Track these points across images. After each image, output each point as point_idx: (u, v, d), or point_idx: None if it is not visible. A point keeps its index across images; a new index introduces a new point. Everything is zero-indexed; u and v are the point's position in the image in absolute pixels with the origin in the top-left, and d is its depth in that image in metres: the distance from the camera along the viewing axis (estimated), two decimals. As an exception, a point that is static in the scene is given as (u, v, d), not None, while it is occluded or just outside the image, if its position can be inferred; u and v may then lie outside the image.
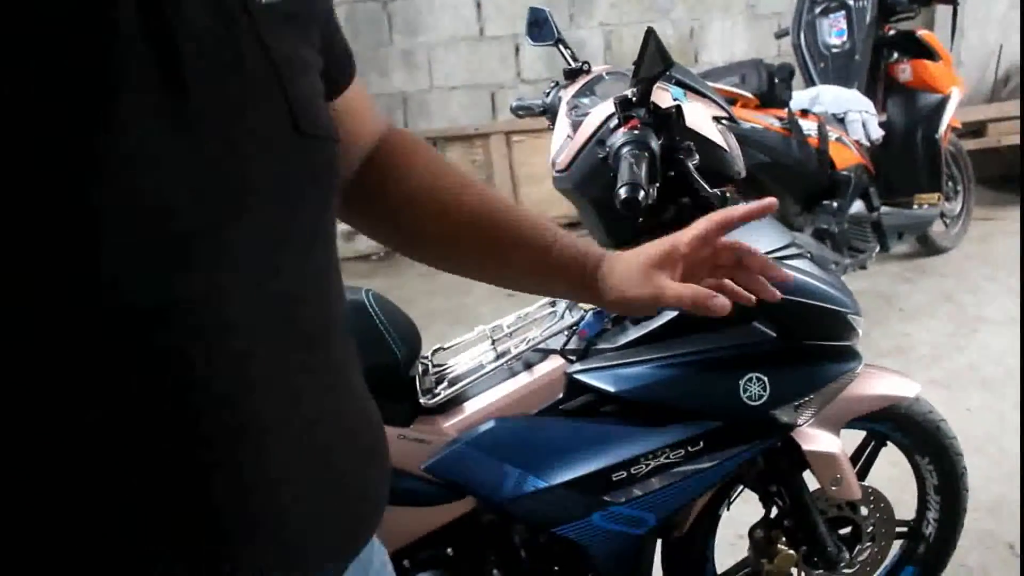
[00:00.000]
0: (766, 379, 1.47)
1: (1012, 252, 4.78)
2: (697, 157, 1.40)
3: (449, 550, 1.59)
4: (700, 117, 1.51)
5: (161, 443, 0.60)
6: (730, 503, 1.78)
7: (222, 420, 0.62)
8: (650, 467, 1.47)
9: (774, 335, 1.48)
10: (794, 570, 1.86)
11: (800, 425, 1.57)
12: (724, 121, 1.58)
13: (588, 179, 1.52)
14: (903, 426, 1.83)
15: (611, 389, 1.49)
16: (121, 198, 0.54)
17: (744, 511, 1.88)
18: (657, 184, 1.34)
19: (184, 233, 0.57)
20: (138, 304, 0.57)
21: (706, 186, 1.37)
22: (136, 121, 0.54)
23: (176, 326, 0.58)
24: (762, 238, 1.53)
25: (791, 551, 1.79)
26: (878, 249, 4.23)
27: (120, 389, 0.58)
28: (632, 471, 1.47)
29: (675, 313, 1.49)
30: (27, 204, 0.51)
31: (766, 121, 3.77)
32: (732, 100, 3.82)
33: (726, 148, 1.52)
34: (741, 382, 1.46)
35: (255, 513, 0.64)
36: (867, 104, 4.32)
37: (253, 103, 0.62)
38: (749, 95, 3.86)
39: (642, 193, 1.25)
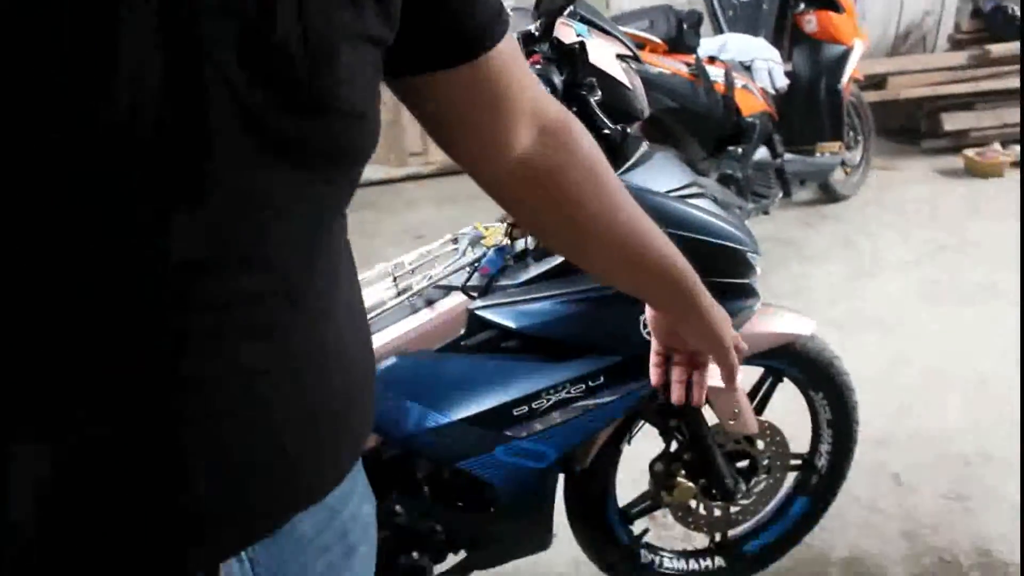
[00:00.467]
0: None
1: (909, 200, 4.96)
2: (599, 93, 1.40)
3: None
4: (604, 54, 1.50)
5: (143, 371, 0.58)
6: (631, 438, 1.82)
7: (204, 353, 0.59)
8: (551, 402, 1.49)
9: (674, 271, 1.50)
10: (693, 501, 1.92)
11: (699, 360, 1.60)
12: (628, 60, 1.58)
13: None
14: (799, 362, 1.89)
15: (512, 325, 1.49)
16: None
17: (646, 448, 1.92)
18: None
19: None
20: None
21: (608, 122, 1.37)
22: None
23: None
24: (666, 177, 1.55)
25: (690, 483, 1.85)
26: (781, 195, 4.33)
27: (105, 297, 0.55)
28: (533, 406, 1.48)
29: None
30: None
31: (674, 66, 3.79)
32: (640, 45, 3.83)
33: (629, 86, 1.52)
34: (641, 318, 1.47)
35: (228, 449, 0.63)
36: (773, 53, 4.39)
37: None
38: (658, 40, 3.87)
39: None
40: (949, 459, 2.65)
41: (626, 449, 1.86)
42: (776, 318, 1.82)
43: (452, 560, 1.77)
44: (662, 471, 1.86)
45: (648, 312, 1.08)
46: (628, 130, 1.47)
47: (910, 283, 3.92)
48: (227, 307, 0.60)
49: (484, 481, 1.55)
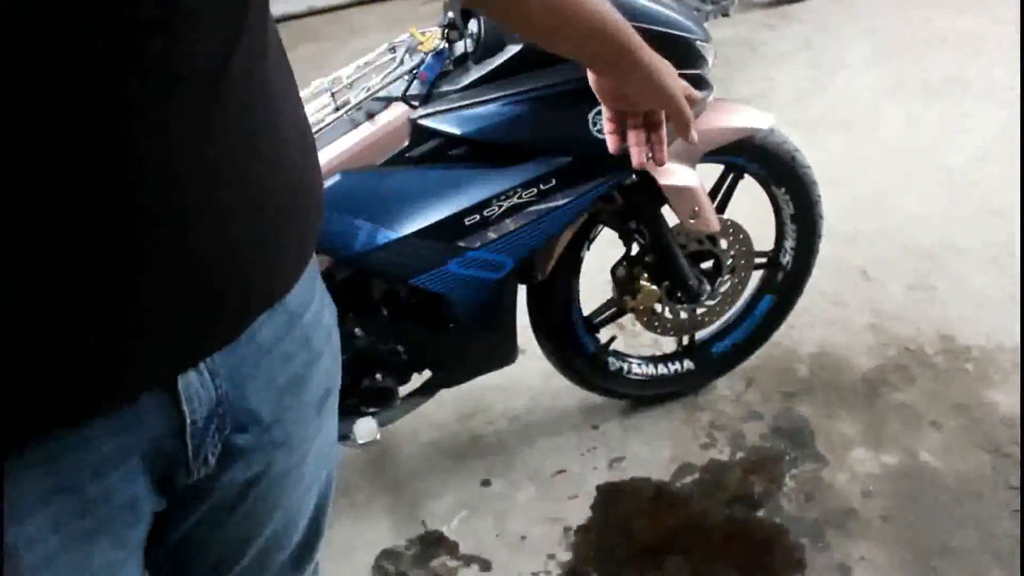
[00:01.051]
0: (614, 107, 1.42)
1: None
2: None
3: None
4: None
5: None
6: (590, 243, 1.79)
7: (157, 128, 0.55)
8: (503, 208, 1.44)
9: (622, 61, 1.43)
10: (657, 305, 1.91)
11: (654, 156, 1.55)
12: None
13: None
14: (759, 157, 1.84)
15: (457, 132, 1.42)
16: None
17: (609, 255, 1.90)
18: None
19: None
20: None
21: None
22: None
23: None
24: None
25: (653, 286, 1.84)
26: (740, -3, 4.19)
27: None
28: (485, 214, 1.44)
29: (518, 48, 1.42)
30: None
31: None
32: None
33: None
34: (589, 115, 1.42)
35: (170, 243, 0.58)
36: None
37: None
38: None
39: None
40: (915, 252, 2.67)
41: (588, 258, 1.84)
42: (733, 112, 1.76)
43: (418, 380, 1.78)
44: (624, 275, 1.84)
45: (591, 77, 1.02)
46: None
47: (874, 81, 3.84)
48: (178, 79, 0.55)
49: (441, 296, 1.52)
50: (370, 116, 1.49)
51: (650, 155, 1.07)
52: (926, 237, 2.73)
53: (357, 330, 1.56)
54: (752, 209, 2.01)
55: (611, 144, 1.08)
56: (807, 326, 2.37)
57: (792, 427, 2.08)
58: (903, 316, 2.41)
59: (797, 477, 1.95)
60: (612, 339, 2.05)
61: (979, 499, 1.86)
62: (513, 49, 1.44)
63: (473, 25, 1.50)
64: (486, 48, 1.47)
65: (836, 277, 2.53)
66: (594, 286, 1.98)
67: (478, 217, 1.44)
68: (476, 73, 1.46)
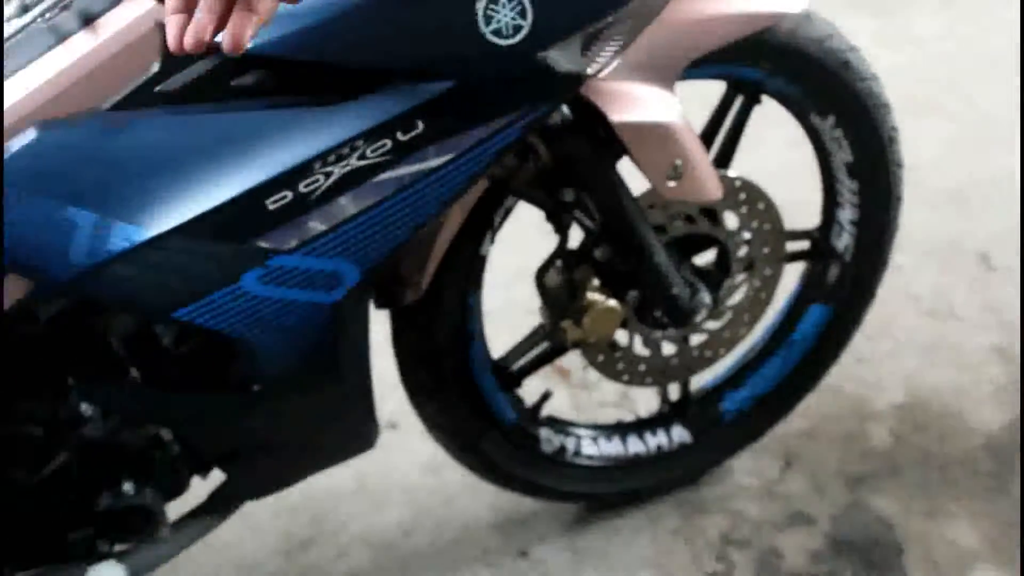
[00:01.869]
0: (524, -1, 1.47)
1: None
2: None
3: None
4: None
5: None
6: (495, 232, 1.84)
7: None
8: (333, 178, 1.45)
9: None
10: (620, 333, 1.96)
11: (598, 75, 1.60)
12: None
13: None
14: (786, 64, 1.90)
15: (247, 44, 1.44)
16: None
17: (533, 246, 1.94)
18: None
19: None
20: None
21: None
22: None
23: None
24: None
25: (611, 301, 1.87)
26: None
27: None
28: (302, 190, 1.44)
29: None
30: None
31: None
32: None
33: None
34: (480, 4, 1.43)
35: None
36: None
37: None
38: None
39: None
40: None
41: (496, 256, 1.89)
42: (736, -11, 1.81)
43: (201, 488, 1.79)
44: (561, 285, 1.88)
45: None
46: None
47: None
48: None
49: (230, 338, 1.54)
50: (88, 22, 1.48)
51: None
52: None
53: (84, 406, 1.57)
54: (780, 158, 2.07)
55: (172, 39, 1.15)
56: (888, 357, 2.47)
57: (865, 536, 2.16)
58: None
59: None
60: (546, 396, 2.09)
61: None
62: None
63: None
64: None
65: (937, 267, 2.63)
66: (510, 307, 2.01)
67: (290, 195, 1.44)
68: None
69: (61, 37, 1.49)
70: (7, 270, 1.44)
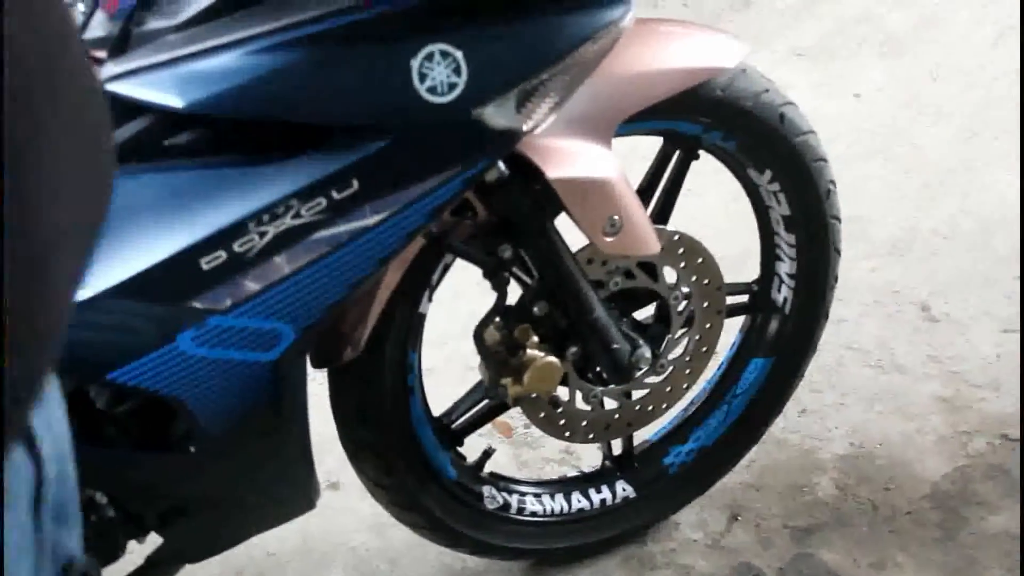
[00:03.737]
0: (458, 53, 1.46)
1: None
2: None
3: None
4: None
5: None
6: (433, 288, 1.84)
7: None
8: (268, 238, 1.45)
9: (463, -29, 1.49)
10: (561, 389, 1.96)
11: (534, 131, 1.61)
12: None
13: None
14: (722, 120, 1.91)
15: (179, 103, 1.43)
16: None
17: (473, 308, 1.93)
18: None
19: None
20: None
21: None
22: None
23: None
24: None
25: (551, 357, 1.87)
26: None
27: None
28: (237, 249, 1.44)
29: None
30: None
31: None
32: None
33: None
34: (414, 62, 1.44)
35: None
36: None
37: None
38: None
39: None
40: (1008, 259, 2.81)
41: (435, 313, 1.89)
42: (673, 42, 1.81)
43: (139, 552, 1.77)
44: (500, 341, 1.88)
45: None
46: None
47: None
48: None
49: (167, 399, 1.53)
50: None
51: None
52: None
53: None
54: (718, 212, 2.08)
55: None
56: (832, 408, 2.49)
57: (813, 589, 2.17)
58: (997, 381, 2.55)
59: None
60: (488, 453, 2.10)
61: None
62: None
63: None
64: None
65: (880, 319, 2.66)
66: (450, 364, 2.01)
67: (224, 255, 1.43)
68: (198, 4, 1.47)
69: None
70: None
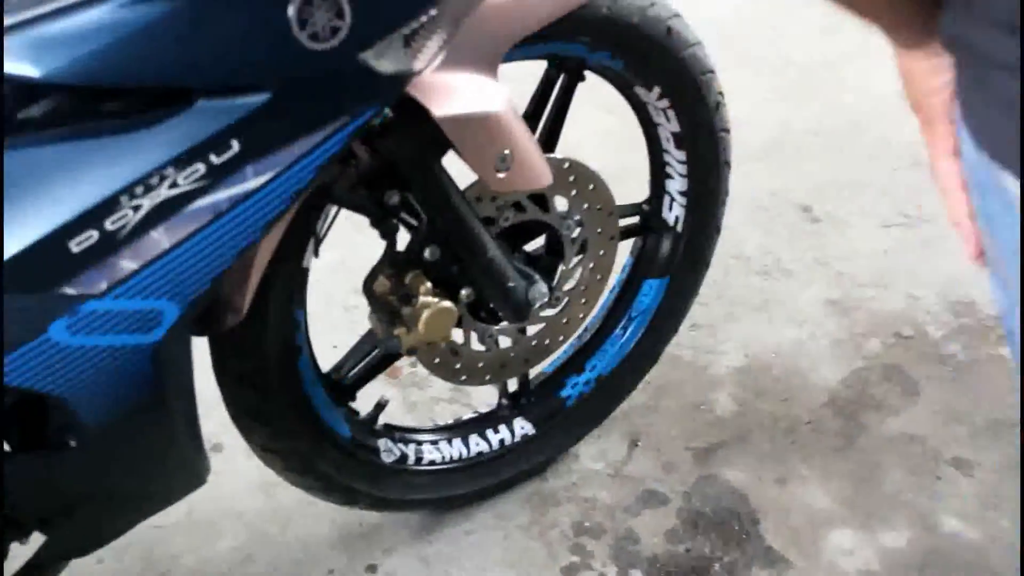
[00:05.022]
0: (339, -2, 1.37)
1: None
2: None
3: None
4: None
5: None
6: (319, 241, 1.74)
7: None
8: (143, 212, 1.34)
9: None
10: (455, 332, 1.88)
11: (420, 72, 1.51)
12: None
13: None
14: (607, 38, 1.84)
15: (35, 72, 1.30)
16: None
17: (357, 257, 1.85)
18: None
19: None
20: None
21: None
22: None
23: None
24: None
25: (444, 302, 1.79)
26: None
27: None
28: (108, 228, 1.33)
29: None
30: None
31: None
32: None
33: None
34: (292, 6, 1.34)
35: None
36: None
37: None
38: None
39: None
40: (880, 162, 2.79)
41: (320, 266, 1.80)
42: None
43: (23, 552, 1.67)
44: (390, 289, 1.80)
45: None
46: None
47: None
48: None
49: (41, 396, 1.42)
50: None
51: None
52: (894, 135, 2.87)
53: None
54: (605, 132, 2.01)
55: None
56: (724, 322, 2.44)
57: (719, 510, 2.13)
58: (884, 278, 2.52)
59: (742, 606, 1.99)
60: (381, 405, 2.01)
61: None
62: None
63: None
64: None
65: (765, 225, 2.61)
66: (336, 315, 1.92)
67: (95, 235, 1.32)
68: None
69: None
70: None
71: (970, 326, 2.41)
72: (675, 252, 2.12)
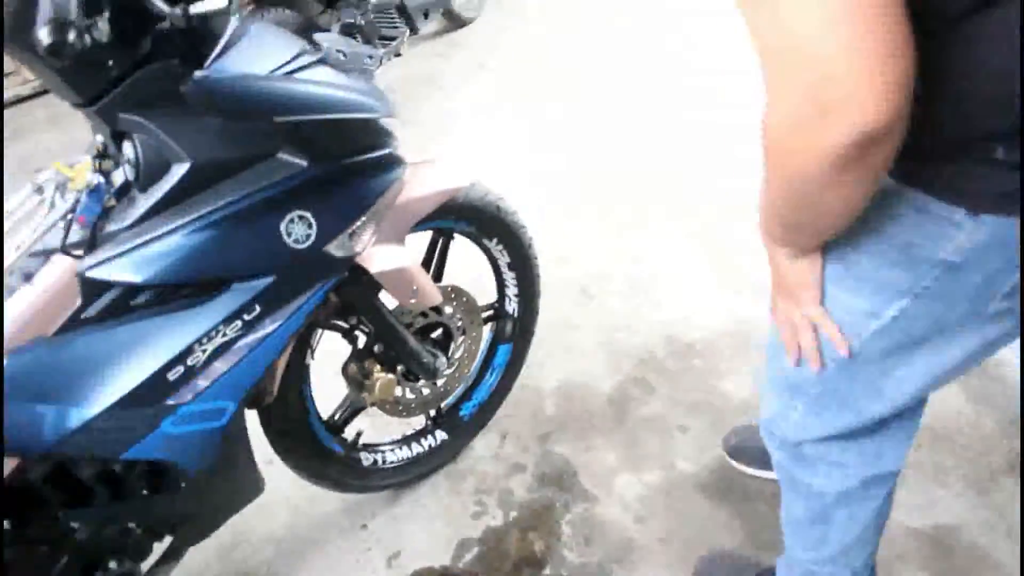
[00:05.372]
0: (309, 215, 1.34)
1: (529, 10, 5.03)
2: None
3: (6, 523, 1.33)
4: None
5: None
6: (313, 350, 1.69)
7: None
8: (208, 352, 1.30)
9: (304, 163, 1.34)
10: (397, 389, 1.85)
11: (361, 252, 1.48)
12: None
13: (17, 24, 1.20)
14: (465, 215, 1.82)
15: (136, 279, 1.25)
16: None
17: (339, 350, 1.81)
18: (106, 15, 1.09)
19: None
20: None
21: (162, 4, 1.14)
22: None
23: None
24: (269, 53, 1.34)
25: (388, 375, 1.77)
26: (408, 33, 4.21)
27: None
28: (189, 363, 1.29)
29: (186, 166, 1.26)
30: None
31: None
32: None
33: None
34: (283, 225, 1.31)
35: None
36: None
37: None
38: None
39: (73, 33, 1.00)
40: (621, 258, 2.81)
41: (319, 356, 1.74)
42: (430, 176, 1.71)
43: (159, 548, 1.59)
44: (356, 372, 1.76)
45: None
46: (201, 9, 1.23)
47: (538, 91, 4.03)
48: None
49: (163, 461, 1.36)
50: (27, 278, 1.29)
51: None
52: (627, 241, 2.89)
53: (74, 523, 1.35)
54: (470, 263, 2.00)
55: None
56: (546, 360, 2.42)
57: (555, 470, 2.10)
58: (630, 326, 2.52)
59: (572, 522, 1.97)
60: (359, 434, 1.96)
61: (740, 494, 1.97)
62: (180, 169, 1.27)
63: (128, 149, 1.30)
64: (150, 173, 1.29)
65: (561, 301, 2.61)
66: (329, 385, 1.87)
67: (182, 369, 1.29)
68: (144, 204, 1.29)
69: (12, 291, 1.29)
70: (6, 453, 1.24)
71: (678, 350, 2.42)
72: (515, 328, 2.10)
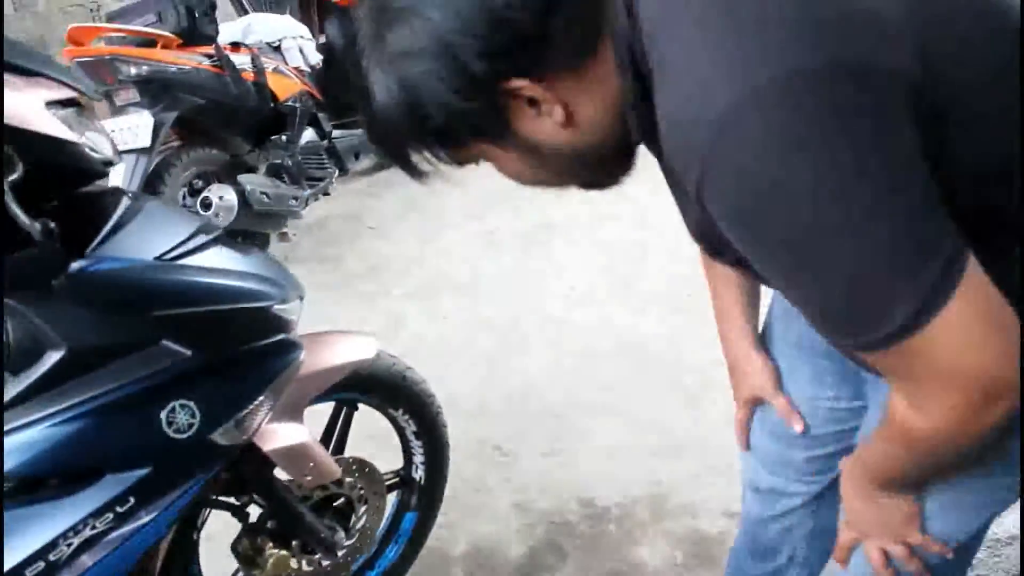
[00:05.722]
0: (192, 404, 1.27)
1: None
2: (20, 169, 1.11)
3: None
4: (24, 110, 1.18)
5: None
6: (199, 530, 1.60)
7: None
8: (74, 546, 1.20)
9: (188, 352, 1.28)
10: (293, 562, 1.74)
11: (252, 436, 1.42)
12: (67, 102, 1.27)
13: None
14: (370, 387, 1.77)
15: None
16: None
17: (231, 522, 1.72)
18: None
19: None
20: None
21: (24, 216, 1.10)
22: None
23: None
24: (159, 235, 1.30)
25: (282, 551, 1.67)
26: (337, 173, 4.26)
27: None
28: (51, 559, 1.19)
29: (61, 353, 1.19)
30: None
31: (193, 60, 3.48)
32: (151, 42, 3.46)
33: (76, 138, 1.22)
34: (163, 415, 1.24)
35: None
36: (302, 29, 4.24)
37: None
38: (169, 34, 3.52)
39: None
40: (541, 416, 2.76)
41: (209, 530, 1.64)
42: (334, 350, 1.66)
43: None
44: (248, 549, 1.65)
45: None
46: (52, 228, 1.16)
47: (474, 236, 4.04)
48: None
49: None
50: None
51: None
52: (548, 397, 2.84)
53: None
54: (373, 430, 1.94)
55: None
56: (455, 523, 2.32)
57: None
58: (544, 487, 2.45)
59: None
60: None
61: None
62: (55, 355, 1.20)
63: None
64: (21, 355, 1.21)
65: (473, 459, 2.54)
66: (221, 562, 1.76)
67: (43, 565, 1.18)
68: (13, 389, 1.20)
69: None
70: None
71: (594, 513, 2.35)
72: (421, 496, 2.01)
